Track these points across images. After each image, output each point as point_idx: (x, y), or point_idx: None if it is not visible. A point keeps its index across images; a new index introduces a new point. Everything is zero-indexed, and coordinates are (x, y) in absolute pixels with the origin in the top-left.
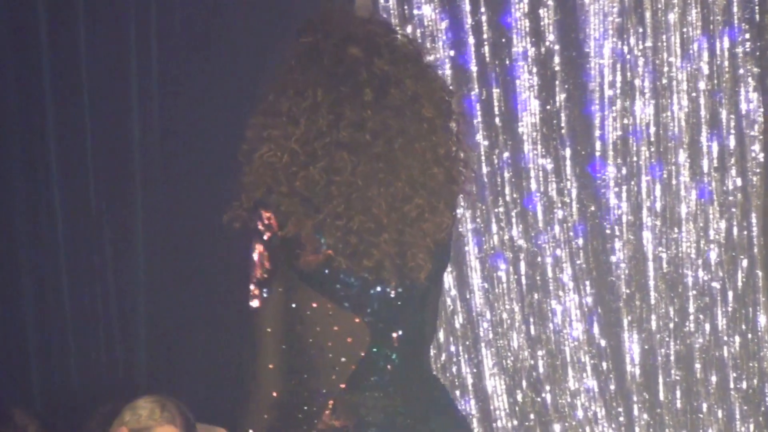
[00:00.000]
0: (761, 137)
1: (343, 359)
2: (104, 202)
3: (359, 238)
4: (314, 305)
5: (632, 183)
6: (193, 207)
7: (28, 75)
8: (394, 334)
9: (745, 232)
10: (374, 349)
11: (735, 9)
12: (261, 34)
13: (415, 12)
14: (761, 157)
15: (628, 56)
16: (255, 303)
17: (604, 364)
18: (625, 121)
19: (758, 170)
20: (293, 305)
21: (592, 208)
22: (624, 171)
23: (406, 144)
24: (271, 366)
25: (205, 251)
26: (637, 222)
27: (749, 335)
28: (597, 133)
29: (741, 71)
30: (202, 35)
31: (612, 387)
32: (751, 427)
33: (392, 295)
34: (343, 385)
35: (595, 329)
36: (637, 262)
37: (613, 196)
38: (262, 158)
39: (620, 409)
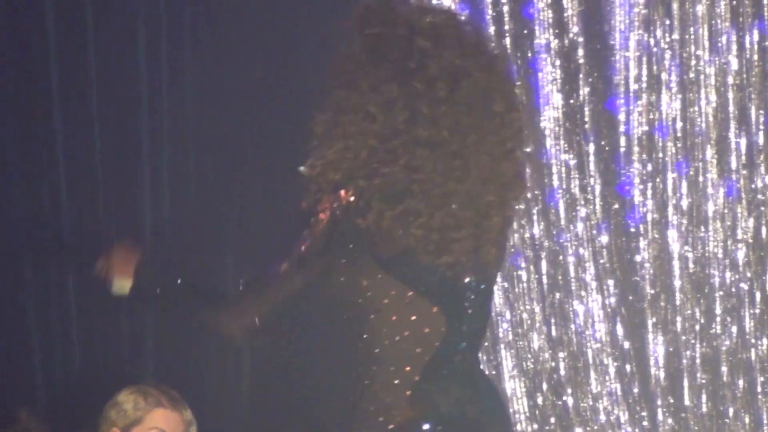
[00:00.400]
0: None
1: (418, 350)
2: (112, 197)
3: (440, 235)
4: (393, 293)
5: (658, 180)
6: (199, 203)
7: (36, 73)
8: (465, 327)
9: None
10: (448, 341)
11: (765, 1)
12: (272, 29)
13: (434, 2)
14: None
15: (655, 49)
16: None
17: (628, 367)
18: (651, 116)
19: None
20: (368, 294)
21: (616, 206)
22: (649, 167)
23: (478, 140)
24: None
25: (213, 245)
26: (662, 220)
27: None
28: (622, 128)
29: None
30: (211, 31)
31: (635, 390)
32: None
33: (466, 289)
34: (417, 377)
35: (619, 330)
36: (662, 262)
37: (637, 193)
38: (338, 154)
39: (644, 413)
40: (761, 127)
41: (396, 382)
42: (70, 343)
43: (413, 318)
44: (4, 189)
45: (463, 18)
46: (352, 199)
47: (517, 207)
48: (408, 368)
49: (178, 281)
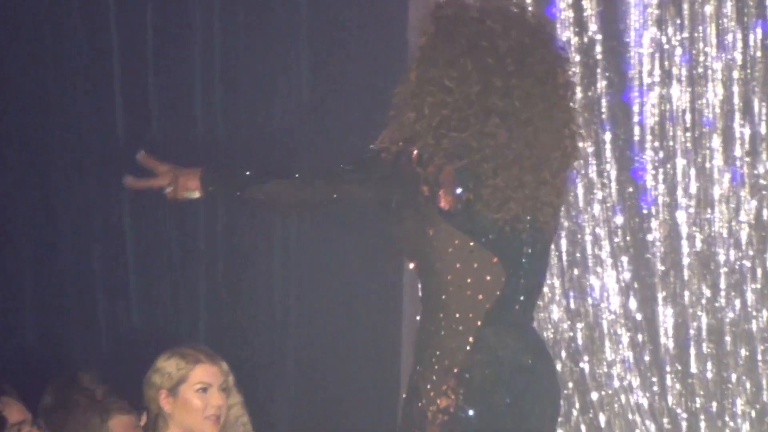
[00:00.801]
0: None
1: (480, 297)
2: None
3: (502, 193)
4: (456, 242)
5: (668, 166)
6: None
7: (98, 65)
8: (522, 280)
9: None
10: (508, 291)
11: (767, 2)
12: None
13: None
14: None
15: (666, 46)
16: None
17: (640, 337)
18: (663, 107)
19: None
20: (434, 242)
21: (630, 189)
22: (661, 155)
23: (545, 109)
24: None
25: (259, 223)
26: (672, 203)
27: None
28: (635, 118)
29: None
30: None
31: (647, 358)
32: None
33: (523, 244)
34: (479, 323)
35: (632, 303)
36: (671, 241)
37: (650, 178)
38: (413, 121)
39: (654, 379)
40: (763, 118)
41: (460, 328)
42: (129, 307)
43: (475, 266)
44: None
45: (522, 4)
46: (415, 152)
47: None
48: (471, 315)
49: (248, 173)
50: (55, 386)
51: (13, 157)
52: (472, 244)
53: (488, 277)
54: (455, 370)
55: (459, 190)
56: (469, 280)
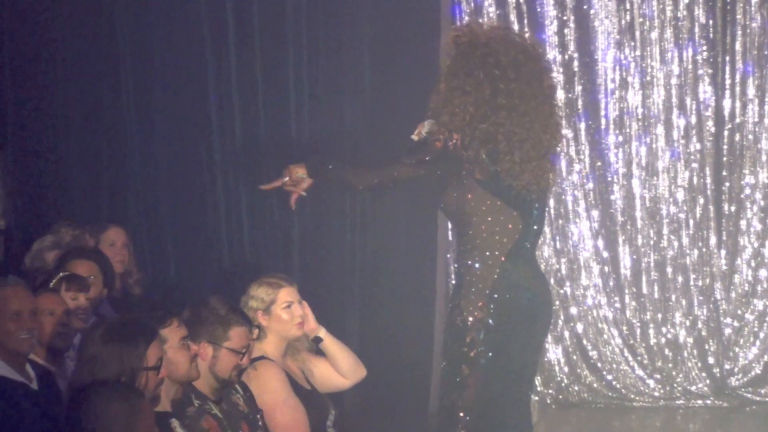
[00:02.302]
0: (712, 116)
1: (504, 240)
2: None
3: (519, 166)
4: (488, 202)
5: (626, 146)
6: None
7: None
8: (533, 227)
9: (702, 180)
10: (523, 235)
11: (696, 30)
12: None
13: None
14: (713, 129)
15: (624, 61)
16: (405, 162)
17: (606, 268)
18: (621, 105)
19: (710, 138)
20: (472, 203)
21: (599, 164)
22: (620, 138)
23: (537, 104)
24: (376, 181)
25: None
26: (628, 173)
27: (704, 249)
28: (602, 113)
29: (700, 71)
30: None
31: (611, 283)
32: (705, 310)
33: (533, 202)
34: (503, 259)
35: (600, 244)
36: (628, 200)
37: (612, 155)
38: (450, 117)
39: (616, 299)
40: (693, 112)
41: (490, 262)
42: (243, 244)
43: (501, 218)
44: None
45: (519, 32)
46: (457, 138)
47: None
48: (497, 252)
49: (330, 167)
50: (191, 305)
51: (159, 156)
52: (499, 203)
53: (510, 226)
54: (486, 292)
55: (487, 166)
56: (497, 228)
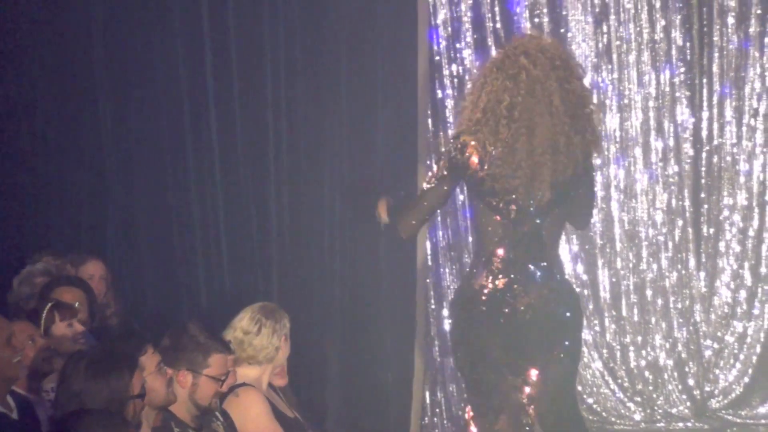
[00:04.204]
0: (690, 138)
1: (500, 232)
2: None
3: (506, 173)
4: (482, 205)
5: (604, 169)
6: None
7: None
8: (525, 228)
9: (680, 202)
10: (516, 232)
11: (673, 52)
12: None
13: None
14: (691, 152)
15: (602, 84)
16: (425, 186)
17: (586, 291)
18: (600, 127)
19: (688, 161)
20: (476, 204)
21: None
22: (598, 161)
23: (540, 123)
24: (413, 222)
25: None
26: (607, 196)
27: (683, 271)
28: None
29: (677, 94)
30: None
31: (591, 306)
32: (684, 332)
33: (523, 206)
34: (500, 250)
35: (579, 267)
36: (607, 223)
37: None
38: (461, 122)
39: (596, 322)
40: (671, 134)
41: (490, 250)
42: (222, 275)
43: (497, 218)
44: None
45: (559, 46)
46: (459, 145)
47: (577, 165)
48: (491, 248)
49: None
50: (170, 333)
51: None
52: (493, 203)
53: (503, 224)
54: (491, 267)
55: (479, 171)
56: (490, 229)
